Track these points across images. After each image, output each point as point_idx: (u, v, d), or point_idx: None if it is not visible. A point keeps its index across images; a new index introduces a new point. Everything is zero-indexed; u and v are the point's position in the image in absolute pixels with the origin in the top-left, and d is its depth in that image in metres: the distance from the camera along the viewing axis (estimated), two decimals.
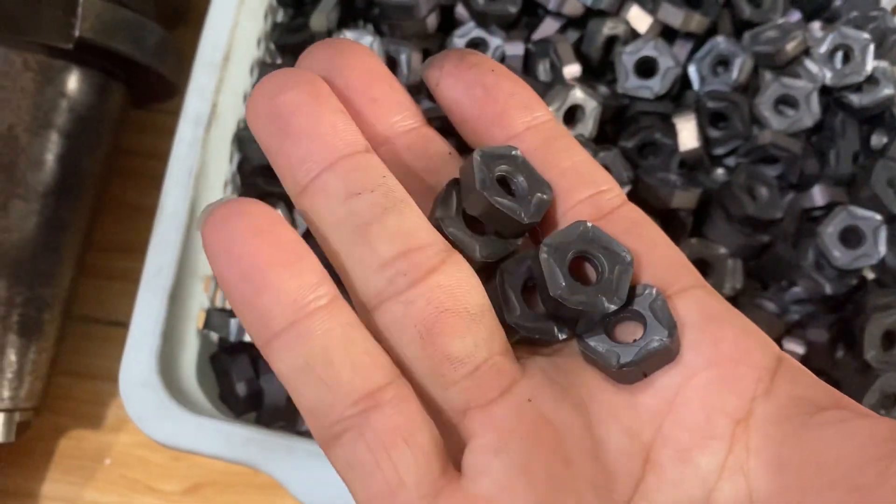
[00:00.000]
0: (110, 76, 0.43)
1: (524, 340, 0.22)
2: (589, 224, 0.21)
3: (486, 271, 0.21)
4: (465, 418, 0.20)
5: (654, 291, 0.20)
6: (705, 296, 0.21)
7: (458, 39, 0.42)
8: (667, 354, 0.20)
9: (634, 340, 0.20)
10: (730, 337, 0.20)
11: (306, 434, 0.37)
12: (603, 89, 0.42)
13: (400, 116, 0.22)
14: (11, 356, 0.40)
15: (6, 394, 0.40)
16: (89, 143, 0.43)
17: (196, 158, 0.38)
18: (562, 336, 0.21)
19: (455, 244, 0.21)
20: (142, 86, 0.46)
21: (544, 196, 0.21)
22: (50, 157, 0.41)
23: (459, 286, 0.20)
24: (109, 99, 0.43)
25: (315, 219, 0.20)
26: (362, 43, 0.39)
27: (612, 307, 0.20)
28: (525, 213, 0.21)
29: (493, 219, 0.21)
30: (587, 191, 0.22)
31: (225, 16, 0.40)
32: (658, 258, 0.21)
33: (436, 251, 0.20)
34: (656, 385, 0.20)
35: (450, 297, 0.19)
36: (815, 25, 0.43)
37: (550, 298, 0.20)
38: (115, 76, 0.44)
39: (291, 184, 0.21)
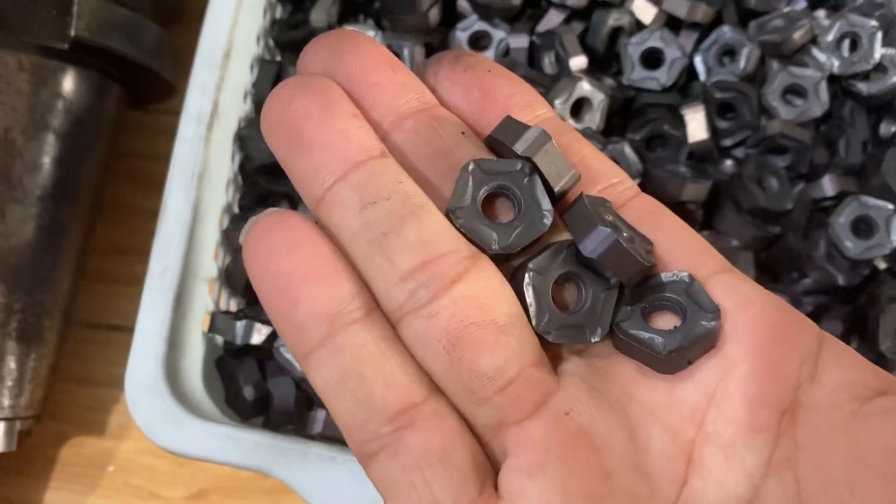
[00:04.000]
0: (107, 76, 0.42)
1: None
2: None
3: (512, 259, 0.20)
4: (499, 433, 0.19)
5: (686, 277, 0.20)
6: (734, 280, 0.20)
7: (461, 33, 0.41)
8: (711, 339, 0.19)
9: (675, 327, 0.19)
10: (767, 322, 0.19)
11: (317, 437, 0.36)
12: (609, 81, 0.41)
13: (405, 99, 0.21)
14: (11, 364, 0.39)
15: (6, 402, 0.39)
16: (87, 145, 0.42)
17: (198, 157, 0.37)
18: (594, 339, 0.20)
19: (468, 237, 0.19)
20: (139, 86, 0.45)
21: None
22: (47, 160, 0.40)
23: (486, 296, 0.19)
24: (106, 99, 0.43)
25: (333, 231, 0.20)
26: None
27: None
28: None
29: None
30: (599, 184, 0.22)
31: (224, 13, 0.39)
32: (679, 246, 0.21)
33: (459, 258, 0.19)
34: (696, 379, 0.19)
35: (476, 309, 0.18)
36: (822, 13, 0.43)
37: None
38: (111, 76, 0.43)
39: (308, 196, 0.20)
